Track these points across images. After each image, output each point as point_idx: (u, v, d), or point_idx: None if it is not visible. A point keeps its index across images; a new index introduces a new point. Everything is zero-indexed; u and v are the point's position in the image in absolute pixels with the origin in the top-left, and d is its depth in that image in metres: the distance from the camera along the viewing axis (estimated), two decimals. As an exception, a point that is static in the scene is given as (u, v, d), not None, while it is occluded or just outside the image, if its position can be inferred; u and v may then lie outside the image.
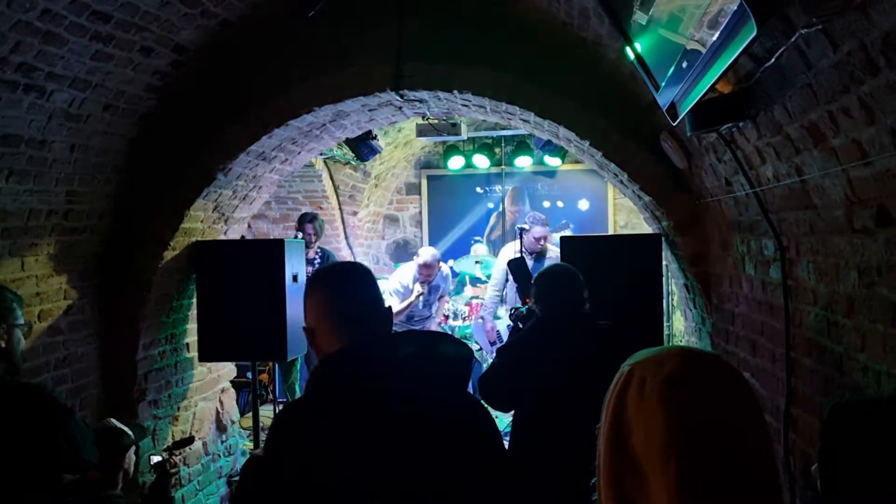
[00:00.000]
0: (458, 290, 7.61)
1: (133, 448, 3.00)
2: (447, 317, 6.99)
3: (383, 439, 1.43)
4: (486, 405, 1.54)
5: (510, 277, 6.16)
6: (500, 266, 6.40)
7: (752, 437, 0.99)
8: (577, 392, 2.83)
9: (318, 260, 6.08)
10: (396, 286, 6.11)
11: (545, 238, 6.12)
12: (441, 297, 6.50)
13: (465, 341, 6.50)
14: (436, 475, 1.44)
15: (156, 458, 3.27)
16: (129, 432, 3.01)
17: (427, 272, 6.04)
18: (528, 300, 3.57)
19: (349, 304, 1.62)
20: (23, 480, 2.28)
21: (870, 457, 1.30)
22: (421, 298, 6.17)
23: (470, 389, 5.89)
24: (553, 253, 6.24)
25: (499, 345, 6.35)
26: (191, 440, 3.74)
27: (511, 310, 3.74)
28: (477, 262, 7.37)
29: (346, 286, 1.65)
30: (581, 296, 3.06)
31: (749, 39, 1.32)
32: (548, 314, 3.07)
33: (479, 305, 6.81)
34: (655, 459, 0.97)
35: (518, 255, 5.63)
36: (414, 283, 6.09)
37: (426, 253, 6.10)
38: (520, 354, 3.06)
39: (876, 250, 1.83)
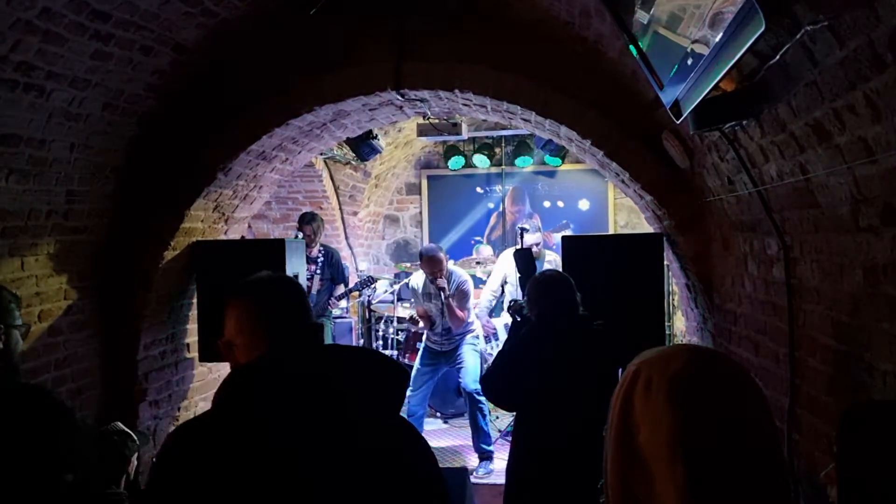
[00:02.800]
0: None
1: (136, 453, 3.00)
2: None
3: (284, 470, 1.23)
4: (417, 429, 1.42)
5: (508, 280, 6.14)
6: (497, 269, 6.37)
7: (759, 435, 0.98)
8: (571, 390, 2.94)
9: (322, 258, 6.05)
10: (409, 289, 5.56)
11: (538, 244, 6.06)
12: (452, 298, 5.34)
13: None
14: None
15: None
16: (135, 437, 3.00)
17: (430, 269, 5.30)
18: None
19: (275, 312, 1.48)
20: (22, 482, 2.26)
21: (889, 463, 1.28)
22: (434, 304, 5.46)
23: (469, 387, 5.71)
24: (551, 257, 6.20)
25: (493, 340, 6.34)
26: None
27: (511, 302, 3.75)
28: (478, 264, 7.35)
29: (272, 292, 1.52)
30: (573, 300, 3.16)
31: (757, 34, 1.30)
32: (540, 319, 3.19)
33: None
34: (662, 458, 0.96)
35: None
36: (425, 284, 5.51)
37: (426, 250, 5.44)
38: (515, 357, 3.19)
39: (882, 249, 1.81)
